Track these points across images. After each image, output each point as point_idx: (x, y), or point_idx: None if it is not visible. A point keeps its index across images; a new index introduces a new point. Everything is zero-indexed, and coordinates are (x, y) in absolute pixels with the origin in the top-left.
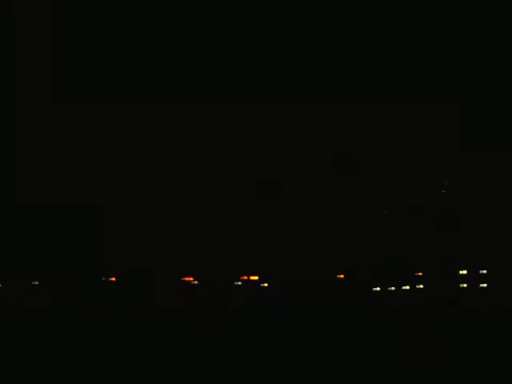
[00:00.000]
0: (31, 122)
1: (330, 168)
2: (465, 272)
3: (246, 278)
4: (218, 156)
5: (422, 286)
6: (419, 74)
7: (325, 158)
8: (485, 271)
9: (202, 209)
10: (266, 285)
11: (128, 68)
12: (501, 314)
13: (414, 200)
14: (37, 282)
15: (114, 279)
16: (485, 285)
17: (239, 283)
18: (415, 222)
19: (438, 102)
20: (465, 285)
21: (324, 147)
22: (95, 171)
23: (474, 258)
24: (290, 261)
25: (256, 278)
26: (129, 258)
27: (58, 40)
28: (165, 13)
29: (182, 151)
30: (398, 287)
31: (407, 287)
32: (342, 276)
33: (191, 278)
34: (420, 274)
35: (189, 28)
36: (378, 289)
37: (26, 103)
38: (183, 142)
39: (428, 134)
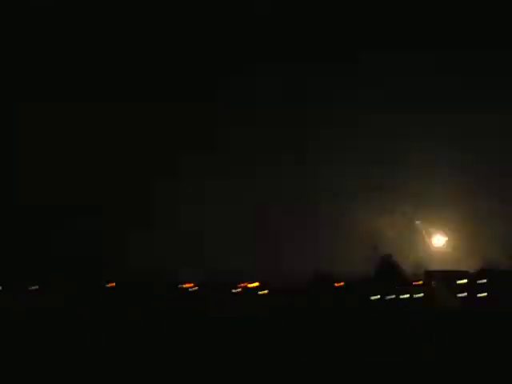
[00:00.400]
0: (31, 121)
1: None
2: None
3: (244, 284)
4: (216, 156)
5: (421, 288)
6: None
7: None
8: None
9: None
10: (266, 292)
11: (127, 68)
12: (500, 316)
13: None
14: (37, 285)
15: (113, 283)
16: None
17: (239, 290)
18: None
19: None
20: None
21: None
22: (95, 171)
23: (472, 260)
24: (290, 260)
25: (255, 284)
26: (129, 258)
27: (57, 42)
28: (164, 14)
29: (181, 153)
30: (398, 289)
31: (407, 291)
32: (341, 284)
33: (190, 284)
34: (419, 280)
35: (188, 28)
36: (378, 295)
37: (25, 103)
38: (182, 143)
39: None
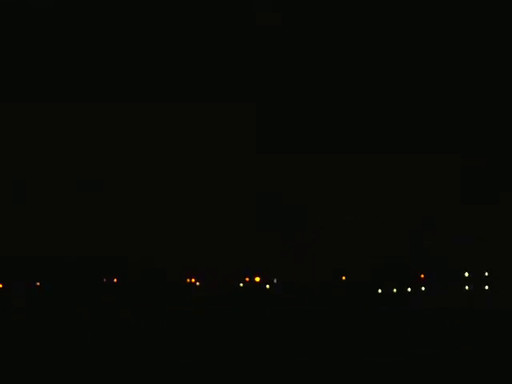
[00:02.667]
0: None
1: (332, 172)
2: (467, 274)
3: (248, 279)
4: (221, 158)
5: (423, 288)
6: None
7: (328, 163)
8: (487, 273)
9: (202, 209)
10: (268, 286)
11: (126, 69)
12: (501, 316)
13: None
14: (38, 283)
15: (115, 280)
16: (486, 287)
17: (241, 284)
18: (416, 224)
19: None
20: (467, 287)
21: (329, 151)
22: (96, 171)
23: (476, 259)
24: (293, 262)
25: (258, 279)
26: (133, 258)
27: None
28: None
29: (184, 153)
30: (401, 289)
31: (409, 289)
32: (343, 277)
33: (193, 280)
34: (422, 276)
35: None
36: (380, 291)
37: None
38: (183, 143)
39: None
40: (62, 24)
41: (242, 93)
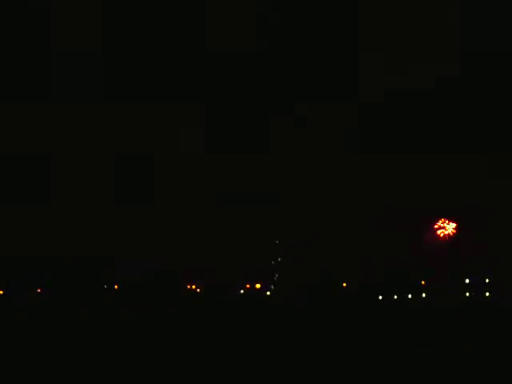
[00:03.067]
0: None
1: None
2: (467, 280)
3: (249, 286)
4: (222, 161)
5: (424, 295)
6: None
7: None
8: (487, 279)
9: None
10: (268, 293)
11: (127, 68)
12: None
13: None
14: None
15: (116, 286)
16: (487, 293)
17: (242, 291)
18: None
19: None
20: (467, 294)
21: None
22: (96, 170)
23: (476, 264)
24: (294, 267)
25: (259, 286)
26: (133, 261)
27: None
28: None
29: (186, 157)
30: (402, 295)
31: (410, 296)
32: (344, 284)
33: (194, 286)
34: (423, 282)
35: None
36: (381, 297)
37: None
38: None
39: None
40: (61, 24)
41: (241, 93)
